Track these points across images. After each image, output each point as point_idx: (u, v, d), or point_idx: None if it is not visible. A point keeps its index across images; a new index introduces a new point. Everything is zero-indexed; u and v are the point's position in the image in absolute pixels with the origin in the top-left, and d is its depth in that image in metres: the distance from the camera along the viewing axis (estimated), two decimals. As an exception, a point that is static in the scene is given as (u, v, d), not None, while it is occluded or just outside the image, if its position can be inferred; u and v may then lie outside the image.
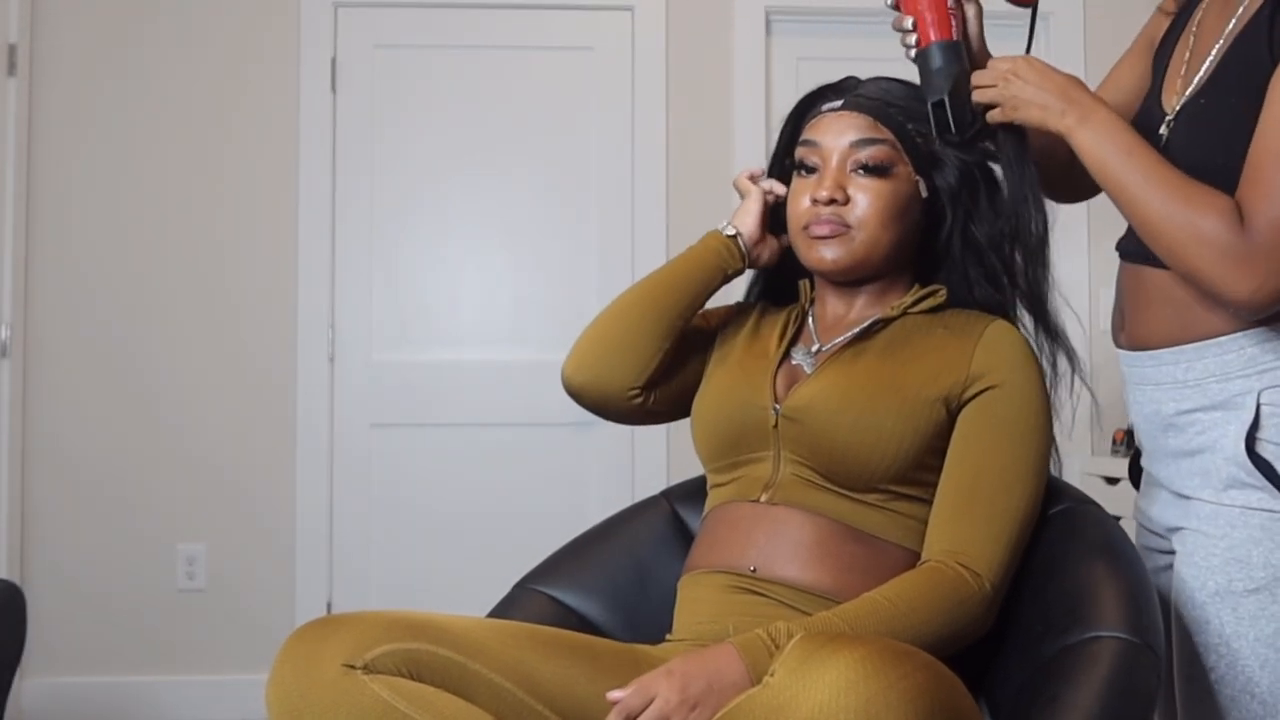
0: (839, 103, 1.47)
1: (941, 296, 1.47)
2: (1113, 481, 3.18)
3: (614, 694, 1.21)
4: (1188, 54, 1.39)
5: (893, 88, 1.48)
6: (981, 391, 1.38)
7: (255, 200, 3.48)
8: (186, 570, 3.41)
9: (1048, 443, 1.39)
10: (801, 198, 1.46)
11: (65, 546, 3.38)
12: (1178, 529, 1.39)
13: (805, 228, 1.45)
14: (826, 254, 1.44)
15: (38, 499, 3.39)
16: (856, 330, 1.46)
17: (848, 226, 1.43)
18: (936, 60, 1.43)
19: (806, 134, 1.49)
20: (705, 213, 3.41)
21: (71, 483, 3.40)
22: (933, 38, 1.43)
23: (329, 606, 3.43)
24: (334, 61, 3.50)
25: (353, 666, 1.21)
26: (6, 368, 3.31)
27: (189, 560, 3.41)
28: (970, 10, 1.46)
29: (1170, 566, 1.42)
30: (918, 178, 1.45)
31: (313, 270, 3.47)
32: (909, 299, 1.47)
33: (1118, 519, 1.52)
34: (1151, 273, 1.36)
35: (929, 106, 1.43)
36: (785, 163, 1.55)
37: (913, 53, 1.44)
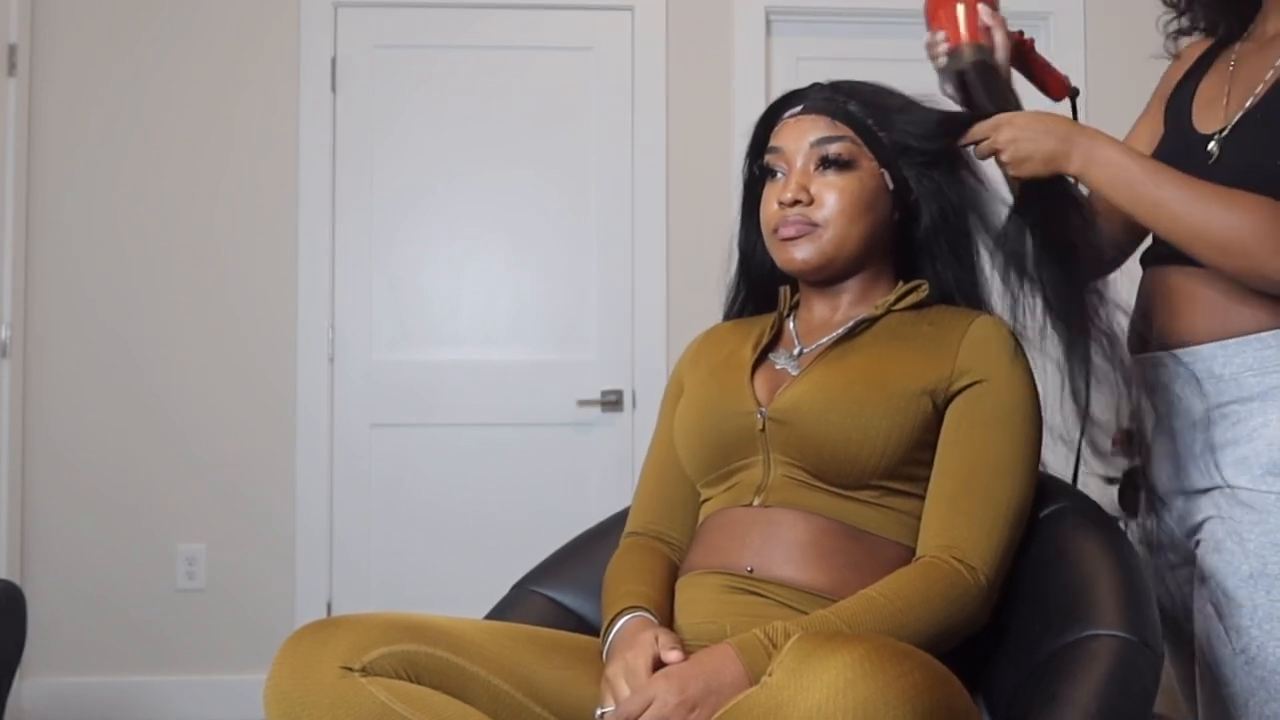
0: (799, 107, 1.50)
1: (924, 291, 1.49)
2: (1112, 482, 3.18)
3: (605, 708, 1.23)
4: (1228, 87, 1.45)
5: (853, 86, 1.51)
6: (968, 386, 1.39)
7: (255, 200, 3.48)
8: (186, 570, 3.41)
9: (1038, 435, 1.40)
10: (770, 203, 1.49)
11: (65, 546, 3.39)
12: (1202, 521, 1.42)
13: (775, 231, 1.48)
14: (796, 254, 1.46)
15: (38, 499, 3.39)
16: (841, 330, 1.46)
17: (815, 225, 1.45)
18: (966, 56, 1.49)
19: (771, 141, 1.52)
20: (705, 213, 3.43)
21: (71, 483, 3.40)
22: (964, 38, 1.49)
23: (329, 606, 3.43)
24: (334, 61, 3.50)
25: (351, 669, 1.21)
26: (6, 368, 3.31)
27: (189, 560, 3.41)
28: (999, 37, 1.51)
29: (1181, 565, 1.46)
30: (882, 170, 1.47)
31: (313, 270, 3.47)
32: (892, 297, 1.48)
33: (1117, 519, 1.52)
34: (1194, 272, 1.39)
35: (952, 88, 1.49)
36: (755, 171, 1.57)
37: (943, 60, 1.50)
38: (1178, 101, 1.53)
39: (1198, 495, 1.43)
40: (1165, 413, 1.47)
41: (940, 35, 1.51)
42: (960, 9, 1.51)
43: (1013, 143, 1.38)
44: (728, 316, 1.65)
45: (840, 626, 1.23)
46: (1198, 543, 1.44)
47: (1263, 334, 1.35)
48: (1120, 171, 1.33)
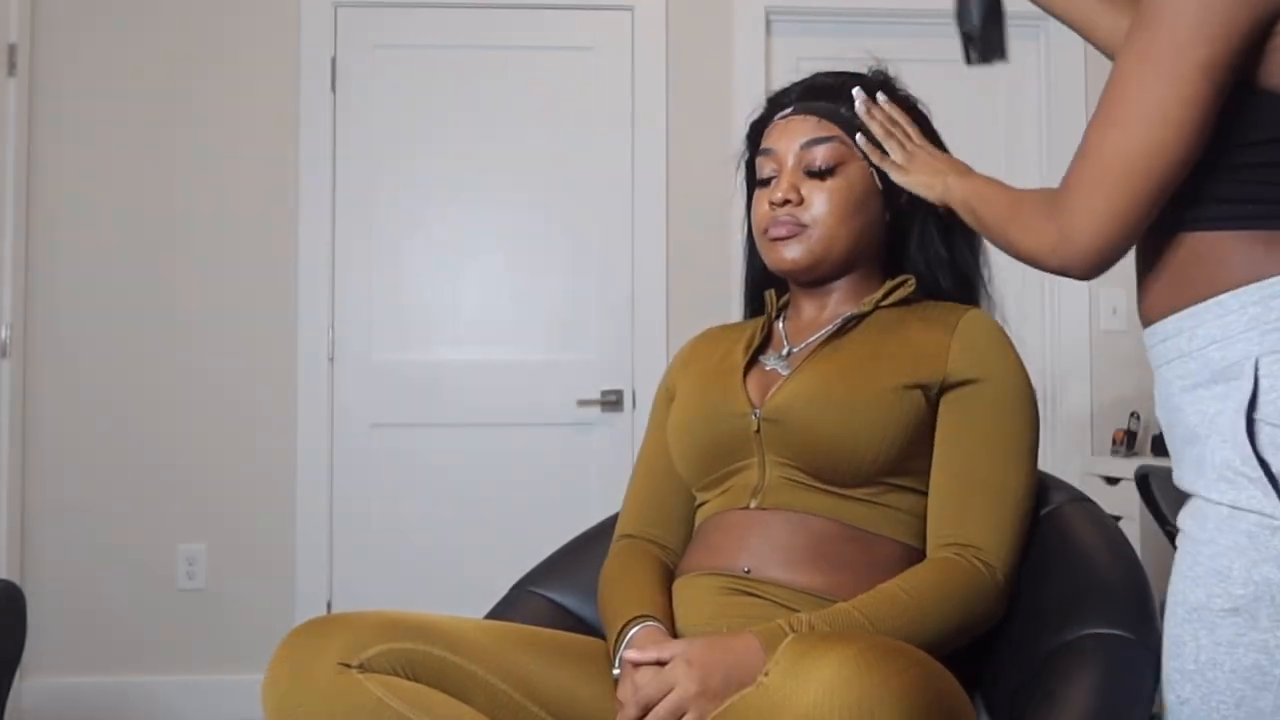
0: (789, 108, 1.52)
1: (910, 286, 1.50)
2: (1113, 481, 3.18)
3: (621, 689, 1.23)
4: None
5: (841, 80, 1.52)
6: (962, 383, 1.39)
7: (255, 200, 3.48)
8: (186, 570, 3.41)
9: (1035, 426, 1.41)
10: (761, 204, 1.50)
11: (65, 546, 3.39)
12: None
13: (765, 231, 1.49)
14: (786, 254, 1.47)
15: (38, 499, 3.39)
16: (830, 329, 1.47)
17: (804, 226, 1.46)
18: None
19: (763, 143, 1.53)
20: (705, 213, 3.43)
21: (71, 483, 3.40)
22: None
23: (329, 606, 3.43)
24: (334, 61, 3.50)
25: (348, 666, 1.21)
26: (6, 368, 3.31)
27: (189, 560, 3.41)
28: None
29: None
30: (872, 170, 1.48)
31: (313, 270, 3.47)
32: (879, 294, 1.49)
33: (1117, 519, 1.52)
34: (1153, 241, 1.19)
35: (960, 33, 1.46)
36: (751, 176, 1.59)
37: None
38: None
39: (1191, 499, 1.17)
40: (1158, 398, 1.24)
41: None
42: None
43: (910, 155, 1.46)
44: (750, 316, 1.66)
45: (861, 620, 1.23)
46: None
47: (1222, 297, 1.10)
48: (967, 193, 1.37)
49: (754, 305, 1.65)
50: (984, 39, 1.45)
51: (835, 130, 1.47)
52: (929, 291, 1.51)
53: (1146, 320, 1.21)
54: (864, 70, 1.56)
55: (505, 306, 3.53)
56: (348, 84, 3.51)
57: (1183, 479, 1.17)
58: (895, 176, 1.47)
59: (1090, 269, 1.14)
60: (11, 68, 3.33)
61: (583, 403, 3.46)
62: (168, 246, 3.46)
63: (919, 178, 1.45)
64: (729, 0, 3.54)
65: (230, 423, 3.44)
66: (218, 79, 3.48)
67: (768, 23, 3.56)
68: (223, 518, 3.43)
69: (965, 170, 1.42)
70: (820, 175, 1.46)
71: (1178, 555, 1.14)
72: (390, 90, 3.52)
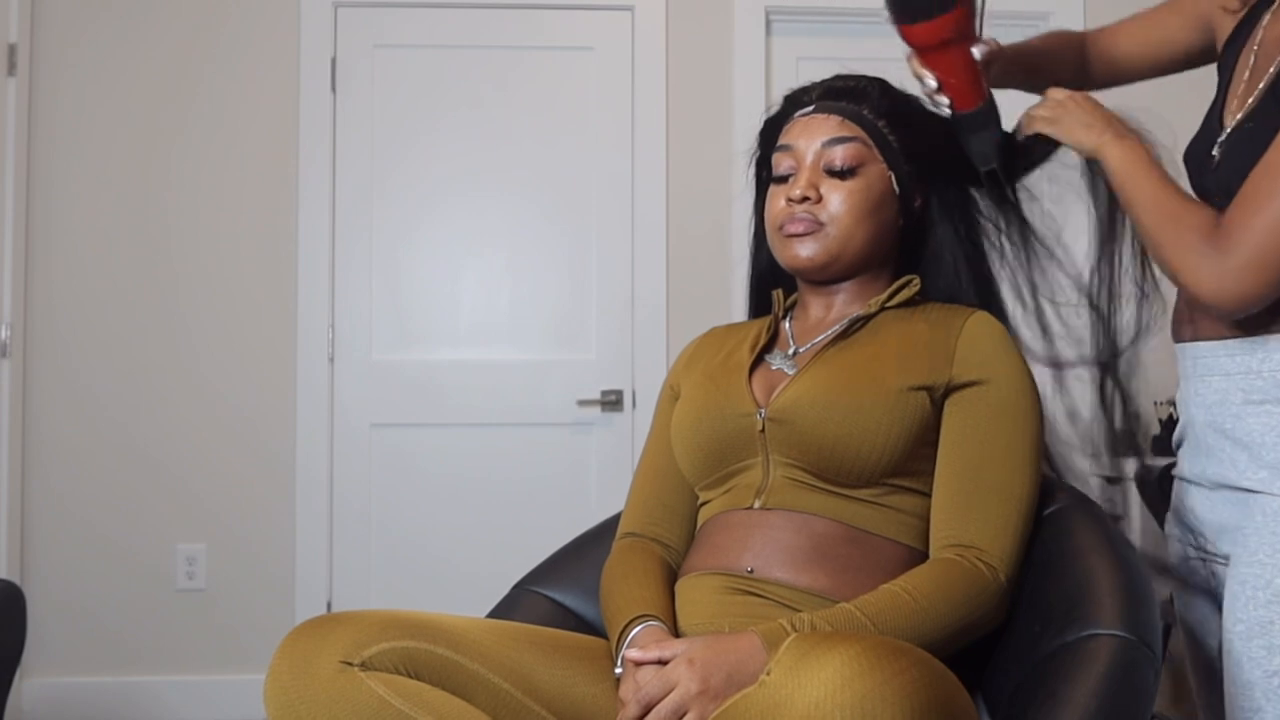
0: (811, 107, 1.51)
1: (916, 286, 1.50)
2: (1113, 481, 3.18)
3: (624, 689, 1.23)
4: (1247, 72, 1.39)
5: (863, 83, 1.51)
6: (967, 385, 1.39)
7: (255, 200, 3.48)
8: (186, 570, 3.41)
9: (1041, 429, 1.41)
10: (777, 200, 1.49)
11: (65, 546, 3.39)
12: (1237, 528, 1.35)
13: (780, 228, 1.48)
14: (801, 251, 1.46)
15: (38, 499, 3.39)
16: (836, 329, 1.47)
17: (821, 224, 1.46)
18: (978, 129, 1.48)
19: (781, 139, 1.52)
20: (705, 212, 3.43)
21: (71, 483, 3.40)
22: (968, 106, 1.47)
23: (329, 606, 3.43)
24: (334, 61, 3.50)
25: (350, 664, 1.21)
26: (6, 368, 3.31)
27: (189, 560, 3.41)
28: (996, 66, 1.50)
29: (1204, 561, 1.41)
30: (890, 173, 1.48)
31: (313, 270, 3.47)
32: (884, 295, 1.49)
33: (1117, 519, 1.52)
34: None
35: (982, 174, 1.48)
36: (763, 173, 1.58)
37: (946, 111, 1.49)
38: (1224, 68, 1.45)
39: (1233, 493, 1.37)
40: (1203, 404, 1.41)
41: (932, 84, 1.48)
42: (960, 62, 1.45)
43: (1063, 108, 1.43)
44: (754, 315, 1.66)
45: (863, 621, 1.23)
46: (1227, 556, 1.38)
47: None
48: (1123, 161, 1.36)
49: (759, 304, 1.65)
50: (1003, 165, 1.48)
51: (857, 131, 1.47)
52: (939, 293, 1.51)
53: (1212, 334, 1.37)
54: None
55: (505, 306, 3.53)
56: (348, 84, 3.51)
57: (1244, 478, 1.33)
58: (1043, 129, 1.45)
59: (1234, 313, 1.29)
60: (11, 68, 3.33)
61: (583, 403, 3.46)
62: (167, 247, 3.46)
63: (1072, 132, 1.43)
64: (729, 0, 3.54)
65: (230, 423, 3.44)
66: (218, 79, 3.48)
67: (768, 23, 3.56)
68: (222, 518, 3.43)
69: (1124, 132, 1.40)
70: (840, 175, 1.46)
71: (1246, 549, 1.30)
72: (390, 90, 3.52)
